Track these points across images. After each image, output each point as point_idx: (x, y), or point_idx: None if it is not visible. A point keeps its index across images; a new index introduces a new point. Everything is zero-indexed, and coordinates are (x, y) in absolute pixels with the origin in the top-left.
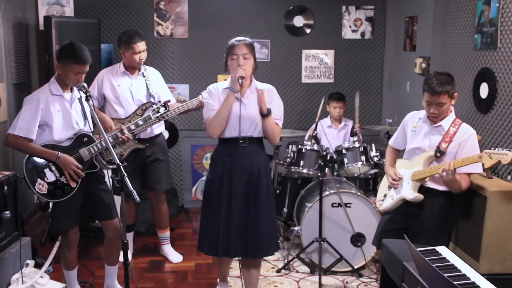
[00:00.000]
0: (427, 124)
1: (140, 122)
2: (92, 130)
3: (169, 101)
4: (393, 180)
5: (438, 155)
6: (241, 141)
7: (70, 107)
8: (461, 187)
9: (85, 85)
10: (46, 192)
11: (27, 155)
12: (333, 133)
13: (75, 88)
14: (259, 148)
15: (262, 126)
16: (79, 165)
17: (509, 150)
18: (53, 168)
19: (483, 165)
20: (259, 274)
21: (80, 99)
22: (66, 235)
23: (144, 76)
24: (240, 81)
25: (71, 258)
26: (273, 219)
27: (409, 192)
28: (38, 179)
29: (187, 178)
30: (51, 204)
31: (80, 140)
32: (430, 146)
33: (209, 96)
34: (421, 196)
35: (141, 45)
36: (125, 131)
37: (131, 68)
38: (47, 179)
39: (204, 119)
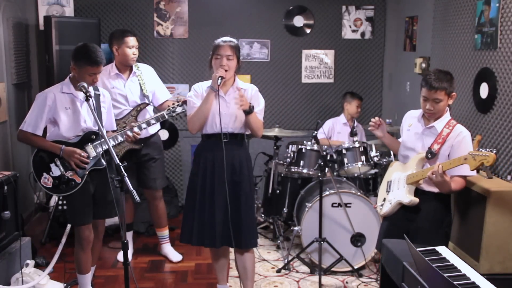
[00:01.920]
0: (421, 124)
1: (153, 122)
2: (115, 128)
3: (186, 100)
4: (374, 122)
5: (429, 156)
6: (223, 136)
7: (81, 106)
8: (450, 188)
9: (85, 85)
10: (51, 186)
11: (35, 150)
12: (347, 131)
13: (91, 87)
14: (241, 143)
15: (245, 122)
16: (84, 153)
17: (491, 151)
18: (58, 163)
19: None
20: (254, 268)
21: (96, 97)
22: (79, 232)
23: (137, 76)
24: (219, 81)
25: (85, 260)
26: (253, 212)
27: (405, 196)
28: (44, 173)
29: (187, 178)
30: (52, 203)
31: (88, 137)
32: (423, 147)
33: (194, 95)
34: (416, 200)
35: (133, 40)
36: (136, 129)
37: (124, 68)
38: (52, 173)
39: (187, 116)
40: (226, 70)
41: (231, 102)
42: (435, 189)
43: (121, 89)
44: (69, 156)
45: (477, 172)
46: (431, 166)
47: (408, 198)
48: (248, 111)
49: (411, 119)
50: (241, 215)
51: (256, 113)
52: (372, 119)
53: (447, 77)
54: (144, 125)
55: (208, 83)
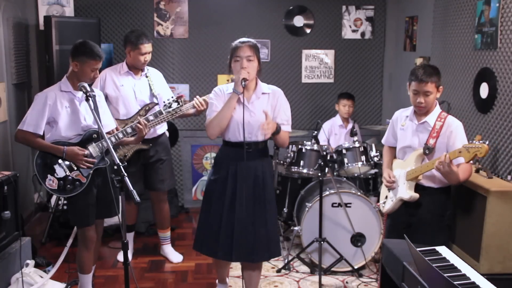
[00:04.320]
0: (414, 121)
1: (151, 118)
2: (114, 127)
3: (182, 96)
4: (388, 182)
5: (427, 152)
6: (247, 147)
7: (80, 104)
8: (458, 178)
9: (85, 85)
10: (56, 188)
11: (37, 152)
12: (342, 133)
13: (87, 86)
14: (264, 150)
15: (273, 138)
16: (86, 152)
17: (483, 143)
18: (62, 164)
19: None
20: (260, 274)
21: (92, 98)
22: (84, 232)
23: (147, 77)
24: (243, 83)
25: (88, 259)
26: (277, 221)
27: (405, 192)
28: (48, 175)
29: (187, 178)
30: (52, 203)
31: (89, 136)
32: (419, 143)
33: (215, 97)
34: (416, 195)
35: (147, 47)
36: (142, 120)
37: (134, 68)
38: (57, 174)
39: (206, 120)
40: (248, 72)
41: (255, 110)
42: (434, 184)
43: (130, 88)
44: (73, 158)
45: (477, 171)
46: (432, 160)
47: (408, 194)
48: (276, 132)
49: (403, 119)
50: (267, 227)
51: (284, 126)
52: (388, 183)
53: (435, 70)
54: (144, 120)
55: (229, 87)
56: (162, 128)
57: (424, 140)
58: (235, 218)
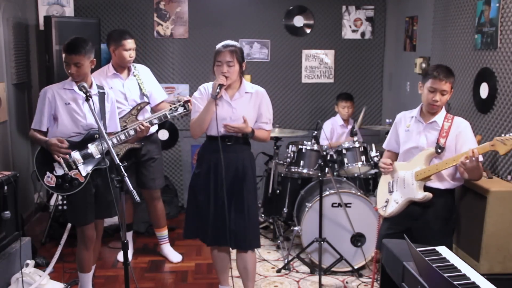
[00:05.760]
0: (421, 122)
1: (155, 121)
2: (119, 130)
3: (189, 100)
4: (385, 164)
5: (439, 151)
6: (227, 139)
7: (83, 103)
8: (482, 174)
9: (85, 85)
10: (54, 185)
11: (38, 148)
12: (345, 132)
13: (94, 85)
14: (245, 145)
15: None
16: (64, 142)
17: None
18: (62, 162)
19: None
20: (255, 269)
21: (100, 95)
22: (82, 231)
23: (135, 76)
24: (217, 89)
25: (87, 258)
26: (257, 214)
27: (417, 193)
28: (47, 172)
29: (187, 178)
30: (52, 203)
31: (91, 136)
32: (428, 143)
33: (199, 97)
34: (430, 195)
35: (131, 43)
36: (144, 123)
37: (121, 68)
38: (56, 172)
39: (190, 120)
40: (226, 77)
41: (237, 107)
42: (441, 185)
43: (119, 89)
44: (50, 148)
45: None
46: (445, 159)
47: (422, 194)
48: (250, 135)
49: (407, 120)
50: (245, 217)
51: (266, 125)
52: (385, 165)
53: (451, 72)
54: (147, 124)
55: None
56: (154, 127)
57: (432, 139)
58: (218, 208)
